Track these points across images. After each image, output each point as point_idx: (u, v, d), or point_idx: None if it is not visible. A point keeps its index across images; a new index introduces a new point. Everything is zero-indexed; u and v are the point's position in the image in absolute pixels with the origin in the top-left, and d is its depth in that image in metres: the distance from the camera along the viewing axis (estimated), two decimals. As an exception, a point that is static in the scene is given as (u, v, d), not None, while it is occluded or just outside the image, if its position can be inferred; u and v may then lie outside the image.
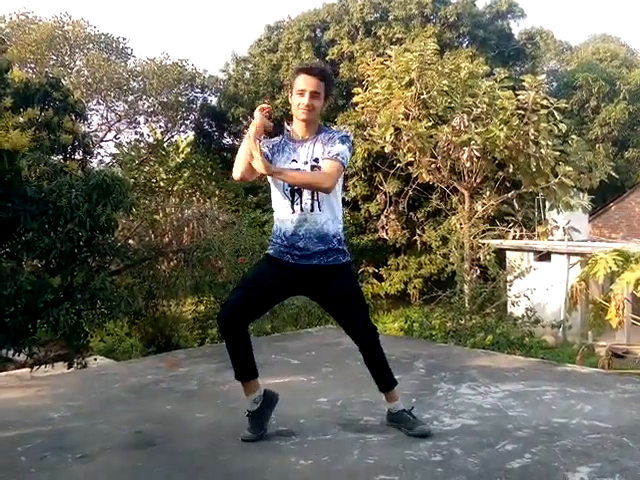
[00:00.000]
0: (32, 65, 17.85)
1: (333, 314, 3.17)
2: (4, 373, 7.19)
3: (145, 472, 2.69)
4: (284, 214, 2.97)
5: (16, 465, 2.77)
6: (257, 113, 2.96)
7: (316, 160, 2.93)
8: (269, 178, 2.98)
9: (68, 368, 7.41)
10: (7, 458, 2.84)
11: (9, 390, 4.43)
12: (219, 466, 2.74)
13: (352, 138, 3.18)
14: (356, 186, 19.15)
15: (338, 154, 2.89)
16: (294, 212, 2.94)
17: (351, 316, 3.02)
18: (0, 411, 3.62)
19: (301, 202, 2.92)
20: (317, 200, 2.93)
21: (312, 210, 2.92)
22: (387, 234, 14.58)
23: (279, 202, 3.00)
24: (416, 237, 15.93)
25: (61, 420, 3.38)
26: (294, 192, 2.93)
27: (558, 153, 11.07)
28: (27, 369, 7.32)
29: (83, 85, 18.38)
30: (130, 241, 10.27)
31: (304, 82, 2.90)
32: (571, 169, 10.99)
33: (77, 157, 7.64)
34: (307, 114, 2.91)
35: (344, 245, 3.05)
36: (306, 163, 2.93)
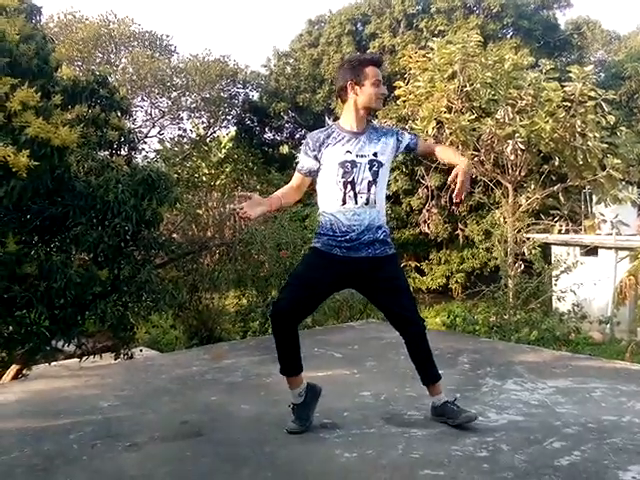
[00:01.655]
0: (79, 63, 18.26)
1: (379, 306, 3.16)
2: (55, 363, 7.40)
3: (192, 462, 2.74)
4: (335, 206, 2.96)
5: (68, 452, 2.84)
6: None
7: (375, 154, 2.96)
8: (321, 169, 3.00)
9: (115, 359, 7.56)
10: (60, 445, 2.92)
11: (60, 379, 4.55)
12: (264, 457, 2.76)
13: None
14: (397, 180, 19.03)
15: (413, 135, 3.15)
16: (346, 204, 2.93)
17: (398, 308, 3.00)
18: (52, 400, 3.72)
19: (355, 195, 2.92)
20: (370, 193, 2.93)
21: (367, 203, 2.93)
22: (429, 228, 14.45)
23: (330, 194, 2.98)
24: (458, 231, 15.76)
25: (110, 409, 3.46)
26: (347, 184, 2.92)
27: (606, 145, 10.78)
28: (76, 359, 7.51)
29: (128, 82, 18.69)
30: (174, 235, 10.43)
31: (377, 72, 2.96)
32: (620, 161, 10.69)
33: (123, 153, 7.76)
34: (380, 104, 3.02)
35: (389, 237, 3.06)
36: (362, 156, 2.94)
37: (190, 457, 2.79)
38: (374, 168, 2.94)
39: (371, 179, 2.93)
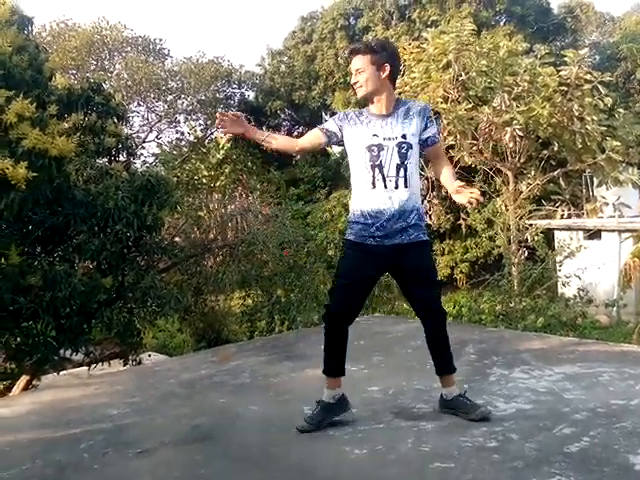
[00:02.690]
0: (73, 71, 18.23)
1: (406, 293, 3.16)
2: (63, 372, 7.42)
3: (203, 465, 2.74)
4: (365, 191, 2.96)
5: (80, 462, 2.86)
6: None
7: (404, 137, 2.93)
8: (349, 151, 3.02)
9: (124, 365, 7.58)
10: (71, 455, 2.93)
11: (69, 389, 4.57)
12: (274, 457, 2.77)
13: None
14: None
15: (438, 134, 3.09)
16: (375, 188, 2.93)
17: (424, 296, 3.03)
18: (62, 409, 3.74)
19: (383, 178, 2.91)
20: (400, 177, 2.92)
21: (396, 187, 2.91)
22: (431, 219, 14.44)
23: (359, 179, 2.98)
24: (460, 221, 15.73)
25: (120, 416, 3.47)
26: (375, 167, 2.91)
27: (604, 128, 10.75)
28: (84, 367, 7.54)
29: (123, 88, 18.67)
30: (176, 239, 10.41)
31: (351, 64, 3.01)
32: (619, 144, 10.67)
33: (121, 159, 7.76)
34: (359, 91, 3.00)
35: (423, 221, 3.04)
36: (390, 139, 2.92)
37: (201, 460, 2.80)
38: (402, 150, 2.92)
39: (399, 162, 2.91)
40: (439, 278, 3.35)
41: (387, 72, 2.96)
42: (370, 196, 2.93)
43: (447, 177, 3.08)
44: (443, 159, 3.16)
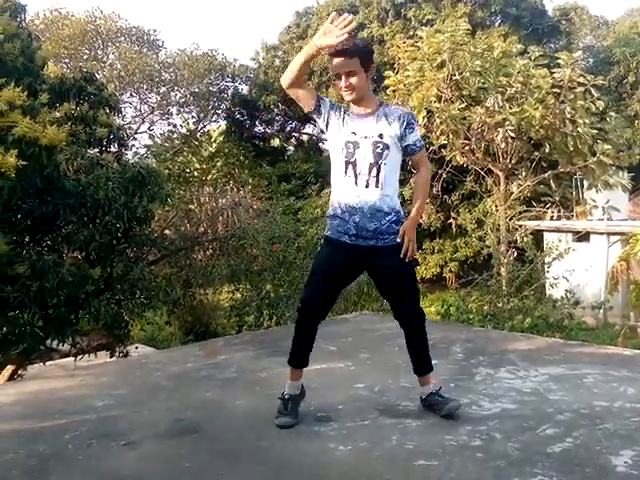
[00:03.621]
0: (66, 60, 18.13)
1: (383, 293, 3.18)
2: (50, 362, 7.40)
3: (188, 459, 2.74)
4: (340, 185, 2.97)
5: (63, 453, 2.85)
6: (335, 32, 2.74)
7: (381, 136, 2.90)
8: (329, 144, 3.00)
9: (110, 357, 7.57)
10: (55, 446, 2.92)
11: (55, 379, 4.55)
12: (259, 452, 2.77)
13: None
14: (389, 171, 19.04)
15: (419, 142, 3.00)
16: (347, 184, 2.93)
17: (401, 298, 3.03)
18: (47, 400, 3.72)
19: (355, 176, 2.91)
20: (372, 176, 2.90)
21: (367, 186, 2.90)
22: (421, 218, 14.47)
23: (336, 173, 3.00)
24: (451, 220, 15.78)
25: (105, 408, 3.46)
26: (349, 164, 2.91)
27: (596, 131, 10.80)
28: (71, 358, 7.52)
29: (116, 78, 18.58)
30: (166, 231, 10.39)
31: (336, 65, 2.88)
32: (610, 147, 10.72)
33: (113, 150, 7.73)
34: (351, 94, 2.92)
35: (400, 223, 2.99)
36: (366, 138, 2.90)
37: (186, 454, 2.79)
38: (378, 150, 2.89)
39: (373, 161, 2.89)
40: (418, 280, 3.35)
41: (372, 72, 2.95)
42: (344, 191, 2.95)
43: (414, 197, 3.11)
44: (420, 171, 3.08)
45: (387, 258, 2.96)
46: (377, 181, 2.90)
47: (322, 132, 3.06)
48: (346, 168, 2.92)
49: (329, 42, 2.75)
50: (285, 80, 2.91)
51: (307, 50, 2.82)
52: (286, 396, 3.10)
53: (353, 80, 2.88)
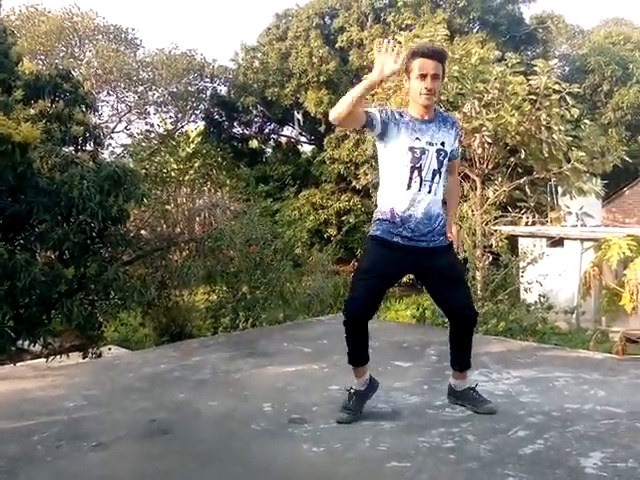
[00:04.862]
0: (42, 57, 17.89)
1: (435, 293, 3.20)
2: (20, 363, 7.27)
3: (159, 460, 2.72)
4: (398, 190, 2.96)
5: (32, 454, 2.80)
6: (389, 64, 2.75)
7: (443, 144, 2.97)
8: (385, 149, 2.99)
9: (83, 358, 7.47)
10: (23, 447, 2.87)
11: (25, 380, 4.47)
12: (232, 454, 2.76)
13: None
14: (367, 174, 19.09)
15: (459, 149, 3.14)
16: (410, 189, 2.94)
17: (460, 292, 3.08)
18: (17, 401, 3.66)
19: (421, 181, 2.94)
20: (434, 182, 2.97)
21: (429, 192, 2.95)
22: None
23: (394, 178, 2.98)
24: (428, 224, 15.84)
25: (76, 409, 3.42)
26: (414, 169, 2.93)
27: (570, 138, 10.94)
28: (43, 359, 7.40)
29: (93, 76, 18.37)
30: (142, 232, 10.30)
31: (424, 66, 2.87)
32: (584, 154, 10.86)
33: (88, 148, 7.65)
34: (430, 98, 2.93)
35: (445, 226, 3.09)
36: (431, 144, 2.95)
37: (157, 455, 2.77)
38: (440, 157, 2.97)
39: (436, 168, 2.96)
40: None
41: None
42: (403, 196, 2.96)
43: (451, 199, 3.30)
44: (454, 175, 3.27)
45: (443, 257, 3.03)
46: (438, 187, 2.99)
47: (379, 139, 2.98)
48: (411, 173, 2.94)
49: (394, 67, 2.75)
50: (339, 115, 2.82)
51: (366, 85, 2.78)
52: (352, 390, 3.13)
53: (436, 85, 2.92)
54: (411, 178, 2.93)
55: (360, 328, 3.04)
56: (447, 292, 3.07)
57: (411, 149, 2.93)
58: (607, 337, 9.24)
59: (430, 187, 2.95)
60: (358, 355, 3.12)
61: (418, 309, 9.84)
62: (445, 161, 2.99)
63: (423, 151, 2.93)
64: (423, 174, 2.93)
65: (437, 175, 2.97)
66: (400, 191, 2.96)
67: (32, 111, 6.42)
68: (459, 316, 3.07)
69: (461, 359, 3.17)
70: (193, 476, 2.59)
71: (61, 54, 18.80)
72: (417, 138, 2.94)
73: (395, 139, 2.94)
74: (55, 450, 2.83)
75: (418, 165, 2.93)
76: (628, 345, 7.45)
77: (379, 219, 3.04)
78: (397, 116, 2.95)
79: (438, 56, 2.92)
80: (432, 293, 3.23)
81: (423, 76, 2.88)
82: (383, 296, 3.16)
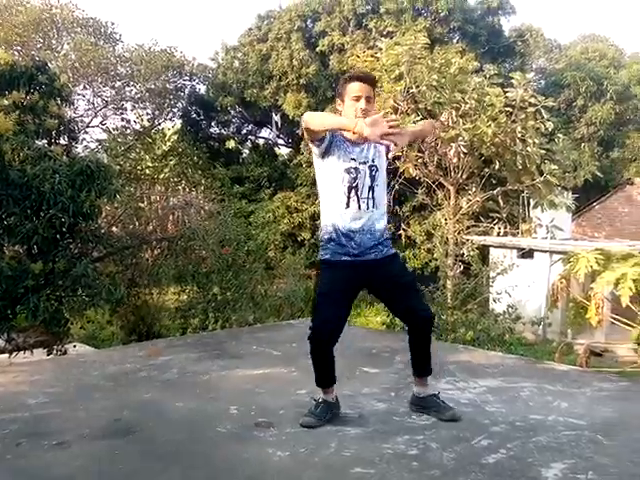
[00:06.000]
0: (19, 48, 17.59)
1: (389, 302, 3.27)
2: (-18, 358, 7.13)
3: (122, 460, 2.69)
4: (338, 210, 3.06)
5: (-9, 451, 2.75)
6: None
7: (374, 160, 3.09)
8: (324, 169, 3.08)
9: (47, 355, 7.35)
10: (-18, 444, 2.82)
11: (-13, 375, 4.39)
12: (196, 455, 2.74)
13: None
14: (343, 179, 19.14)
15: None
16: (349, 207, 3.04)
17: (412, 296, 3.15)
18: (-23, 396, 3.59)
19: (358, 199, 3.04)
20: (370, 198, 3.06)
21: (367, 208, 3.06)
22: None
23: (333, 198, 3.08)
24: (401, 231, 15.96)
25: (38, 406, 3.36)
26: (351, 189, 3.04)
27: (544, 151, 11.09)
28: (5, 355, 7.26)
29: (70, 69, 18.12)
30: (113, 228, 10.20)
31: (359, 88, 3.02)
32: (556, 167, 11.02)
33: (62, 142, 7.55)
34: (364, 118, 2.98)
35: (390, 238, 3.21)
36: (364, 163, 3.07)
37: (120, 455, 2.74)
38: (373, 173, 3.08)
39: (370, 184, 3.07)
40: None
41: None
42: (344, 215, 3.05)
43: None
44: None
45: (391, 265, 3.12)
46: (374, 201, 3.07)
47: (320, 157, 3.08)
48: (349, 192, 3.04)
49: (374, 136, 2.82)
50: (311, 126, 2.98)
51: (341, 124, 2.96)
52: (320, 399, 3.16)
53: (370, 106, 3.06)
54: (349, 197, 3.04)
55: (324, 353, 3.10)
56: (401, 297, 3.13)
57: (347, 170, 3.04)
58: (572, 349, 9.37)
59: (368, 203, 3.06)
60: (325, 378, 3.17)
61: (388, 316, 9.87)
62: (377, 175, 3.09)
63: (358, 171, 3.05)
64: (359, 193, 3.05)
65: (372, 190, 3.07)
66: (340, 210, 3.06)
67: (5, 102, 6.31)
68: (416, 318, 3.12)
69: (422, 365, 3.21)
70: (156, 477, 2.56)
71: (38, 45, 18.53)
72: (352, 159, 3.06)
73: (333, 159, 3.06)
74: (15, 448, 2.78)
75: (355, 185, 3.04)
76: (592, 358, 7.56)
77: (325, 239, 3.12)
78: (335, 138, 3.06)
79: (370, 81, 3.11)
80: (387, 302, 3.30)
81: (358, 98, 3.02)
82: (346, 316, 3.16)
